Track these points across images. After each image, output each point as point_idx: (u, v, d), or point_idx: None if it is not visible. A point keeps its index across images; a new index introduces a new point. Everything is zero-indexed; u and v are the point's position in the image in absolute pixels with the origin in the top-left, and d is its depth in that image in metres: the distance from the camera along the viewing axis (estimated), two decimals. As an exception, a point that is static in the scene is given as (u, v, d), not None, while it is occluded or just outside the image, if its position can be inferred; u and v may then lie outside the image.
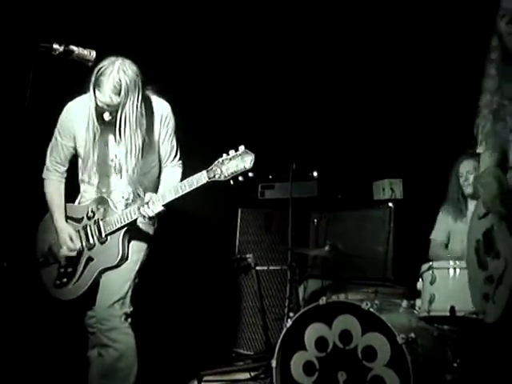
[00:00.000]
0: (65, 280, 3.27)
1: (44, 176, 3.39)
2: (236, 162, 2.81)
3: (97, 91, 3.01)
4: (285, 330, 3.71)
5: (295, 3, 5.07)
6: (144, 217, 3.09)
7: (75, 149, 3.30)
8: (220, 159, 2.87)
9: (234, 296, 5.24)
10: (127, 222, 3.13)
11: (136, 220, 3.16)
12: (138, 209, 3.07)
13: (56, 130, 3.32)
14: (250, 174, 2.83)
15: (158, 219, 3.31)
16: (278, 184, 5.39)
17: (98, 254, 3.21)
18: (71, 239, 3.24)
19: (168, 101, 3.31)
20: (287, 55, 5.33)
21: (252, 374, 4.51)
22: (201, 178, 2.92)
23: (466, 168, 4.14)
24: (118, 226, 3.15)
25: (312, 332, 3.64)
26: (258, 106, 5.39)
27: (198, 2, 4.97)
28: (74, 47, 2.79)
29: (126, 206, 3.25)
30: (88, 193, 3.34)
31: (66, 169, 3.38)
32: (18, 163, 2.68)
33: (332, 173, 5.36)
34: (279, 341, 3.71)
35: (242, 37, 5.22)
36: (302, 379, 3.62)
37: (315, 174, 5.31)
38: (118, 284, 3.16)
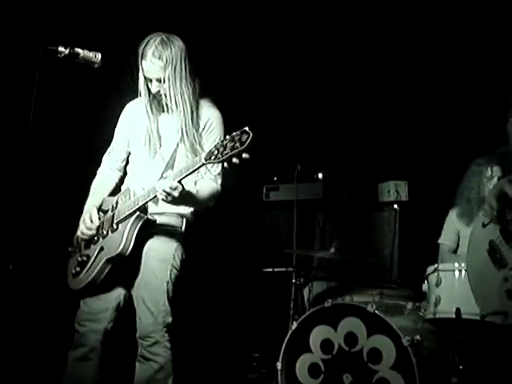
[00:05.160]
0: (78, 269, 3.21)
1: (97, 171, 3.42)
2: (233, 143, 2.62)
3: (143, 62, 3.07)
4: (290, 332, 3.71)
5: (303, 4, 5.07)
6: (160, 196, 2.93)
7: (129, 145, 3.32)
8: (220, 141, 2.71)
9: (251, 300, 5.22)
10: (137, 207, 3.04)
11: (146, 206, 3.06)
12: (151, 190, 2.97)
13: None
14: (245, 156, 2.59)
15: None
16: (283, 186, 5.38)
17: (107, 243, 3.15)
18: (90, 219, 3.20)
19: None
20: (292, 56, 5.33)
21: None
22: (197, 161, 2.79)
23: (497, 173, 3.95)
24: (127, 212, 3.06)
25: (317, 334, 3.64)
26: (262, 107, 5.39)
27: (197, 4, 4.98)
28: (79, 50, 2.81)
29: None
30: (130, 184, 3.28)
31: (118, 166, 3.39)
32: (22, 164, 2.69)
33: (337, 174, 5.36)
34: (284, 343, 3.71)
35: (247, 38, 5.22)
36: (308, 382, 3.61)
37: (320, 175, 5.30)
38: (154, 303, 3.08)
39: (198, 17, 4.99)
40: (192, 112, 3.13)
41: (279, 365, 3.68)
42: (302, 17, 5.13)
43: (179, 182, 2.84)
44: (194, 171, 2.83)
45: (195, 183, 3.15)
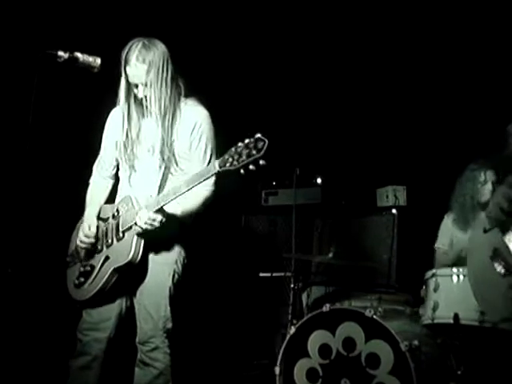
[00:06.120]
0: (82, 279, 3.16)
1: (90, 181, 3.39)
2: (248, 150, 2.64)
3: (127, 68, 3.06)
4: (288, 337, 3.71)
5: (301, 6, 5.08)
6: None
7: (117, 150, 3.29)
8: (233, 148, 2.71)
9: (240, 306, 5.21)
10: None
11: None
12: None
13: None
14: (262, 162, 2.62)
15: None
16: (282, 190, 5.39)
17: (113, 252, 3.11)
18: (89, 227, 3.17)
19: None
20: (292, 61, 5.33)
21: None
22: (211, 168, 2.79)
23: (491, 177, 3.94)
24: (134, 221, 3.02)
25: (315, 339, 3.64)
26: (261, 111, 5.40)
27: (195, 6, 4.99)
28: (78, 54, 2.80)
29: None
30: (122, 191, 3.27)
31: (109, 174, 3.36)
32: (21, 167, 2.69)
33: (336, 179, 5.37)
34: (282, 348, 3.71)
35: (245, 43, 5.23)
36: (306, 386, 3.61)
37: (319, 180, 5.31)
38: (155, 309, 3.08)
39: (197, 19, 5.01)
40: (174, 114, 3.12)
41: (277, 369, 3.67)
42: (301, 20, 5.14)
43: (189, 189, 2.85)
44: (206, 179, 2.83)
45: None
